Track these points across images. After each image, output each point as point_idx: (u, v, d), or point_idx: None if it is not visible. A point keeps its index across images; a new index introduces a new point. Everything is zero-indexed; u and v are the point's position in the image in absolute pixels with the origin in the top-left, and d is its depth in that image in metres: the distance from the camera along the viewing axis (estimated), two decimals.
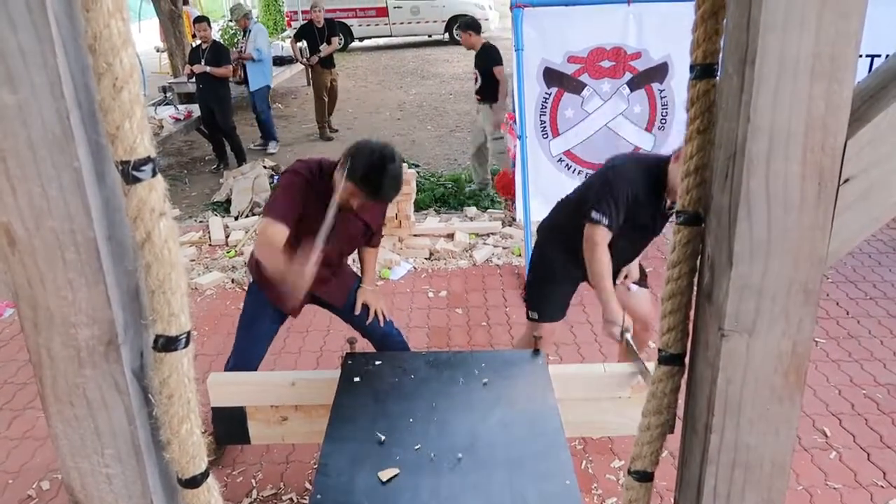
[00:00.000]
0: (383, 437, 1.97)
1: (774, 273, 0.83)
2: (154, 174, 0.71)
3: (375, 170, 2.34)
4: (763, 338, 0.86)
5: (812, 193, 0.80)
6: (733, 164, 0.82)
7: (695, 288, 0.95)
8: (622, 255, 2.78)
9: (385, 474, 1.83)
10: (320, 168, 2.53)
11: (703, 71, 0.91)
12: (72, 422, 0.82)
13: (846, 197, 0.80)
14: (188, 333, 0.78)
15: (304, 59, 8.56)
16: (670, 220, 2.72)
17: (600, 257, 2.57)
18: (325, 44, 8.47)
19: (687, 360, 0.97)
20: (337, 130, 8.97)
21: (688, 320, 0.96)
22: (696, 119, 0.92)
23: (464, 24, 6.20)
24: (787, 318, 0.85)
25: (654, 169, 2.57)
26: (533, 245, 3.04)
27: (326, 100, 8.63)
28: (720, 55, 0.88)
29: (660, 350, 0.96)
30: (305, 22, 8.91)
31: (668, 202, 2.60)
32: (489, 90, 5.93)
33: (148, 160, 0.70)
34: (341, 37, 9.43)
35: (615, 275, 2.85)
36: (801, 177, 0.79)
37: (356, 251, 2.98)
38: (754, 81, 0.77)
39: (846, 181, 0.80)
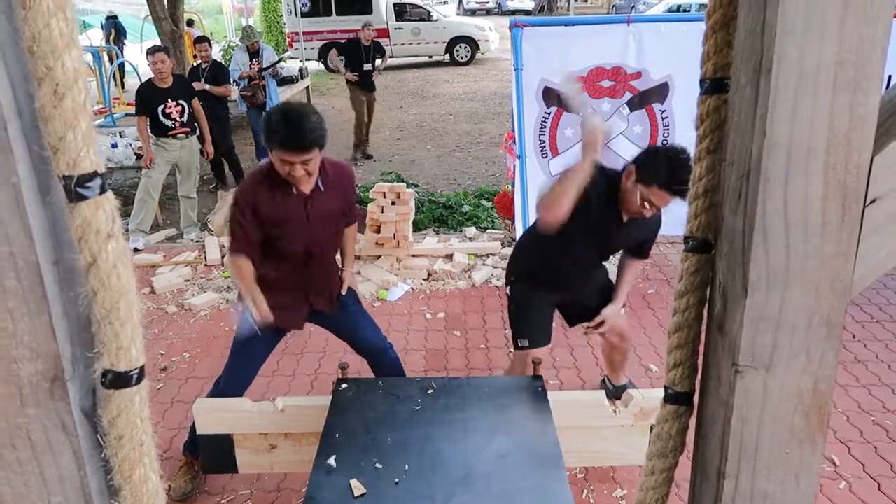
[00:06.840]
0: (376, 466, 1.88)
1: (794, 303, 0.75)
2: (102, 191, 0.63)
3: (278, 123, 2.28)
4: (781, 374, 0.78)
5: (835, 215, 0.72)
6: (747, 184, 0.75)
7: (704, 320, 0.88)
8: (588, 261, 2.85)
9: (357, 487, 1.80)
10: (270, 166, 2.46)
11: (713, 86, 0.84)
12: (14, 466, 0.74)
13: (873, 219, 0.73)
14: (141, 369, 0.70)
15: (346, 73, 8.54)
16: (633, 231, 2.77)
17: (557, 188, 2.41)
18: (369, 64, 8.47)
19: (696, 398, 0.89)
20: (371, 157, 8.76)
21: (696, 355, 0.88)
22: (705, 138, 0.85)
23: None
24: (808, 353, 0.77)
25: (612, 180, 2.61)
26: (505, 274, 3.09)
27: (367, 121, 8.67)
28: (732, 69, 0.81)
29: (666, 388, 0.88)
30: (351, 40, 8.84)
31: (626, 217, 2.65)
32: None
33: (94, 175, 0.62)
34: (386, 57, 9.38)
35: (584, 314, 2.98)
36: (822, 197, 0.72)
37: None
38: (770, 92, 0.69)
39: (873, 202, 0.72)
